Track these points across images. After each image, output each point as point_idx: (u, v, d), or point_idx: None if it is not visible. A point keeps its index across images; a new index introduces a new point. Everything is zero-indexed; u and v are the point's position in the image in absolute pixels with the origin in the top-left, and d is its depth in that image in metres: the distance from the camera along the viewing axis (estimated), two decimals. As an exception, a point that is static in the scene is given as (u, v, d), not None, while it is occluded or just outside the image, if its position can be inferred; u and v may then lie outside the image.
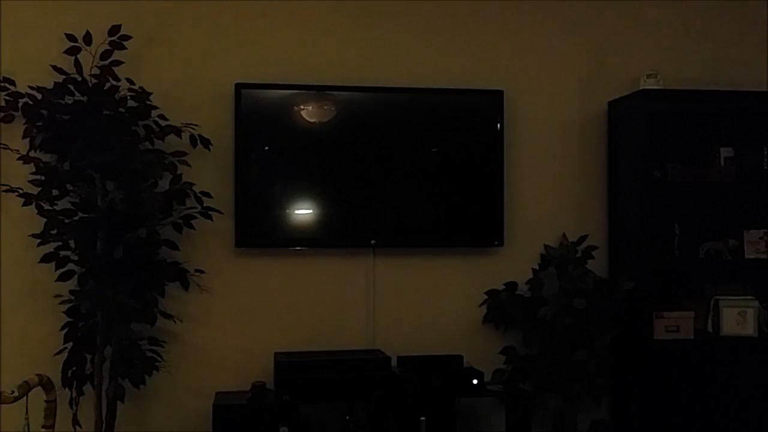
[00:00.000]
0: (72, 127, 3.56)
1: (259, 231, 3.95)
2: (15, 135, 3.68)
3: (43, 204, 3.59)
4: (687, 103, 4.03)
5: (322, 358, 3.82)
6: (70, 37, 3.62)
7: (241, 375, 3.88)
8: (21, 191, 3.59)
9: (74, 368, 3.61)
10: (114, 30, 3.64)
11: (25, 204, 3.60)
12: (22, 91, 3.65)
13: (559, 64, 4.27)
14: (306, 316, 4.02)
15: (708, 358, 3.96)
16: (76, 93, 3.63)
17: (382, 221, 4.05)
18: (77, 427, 3.64)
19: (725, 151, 4.12)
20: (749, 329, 3.99)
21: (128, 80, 3.70)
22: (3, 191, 3.68)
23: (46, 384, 2.62)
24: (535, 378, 3.93)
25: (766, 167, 4.14)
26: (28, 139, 3.64)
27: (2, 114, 3.69)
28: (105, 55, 3.66)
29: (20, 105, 3.65)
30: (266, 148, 3.96)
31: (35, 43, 3.78)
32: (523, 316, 4.02)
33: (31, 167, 3.57)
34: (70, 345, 3.60)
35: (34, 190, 3.60)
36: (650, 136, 3.93)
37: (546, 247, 4.18)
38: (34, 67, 3.71)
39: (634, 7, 4.34)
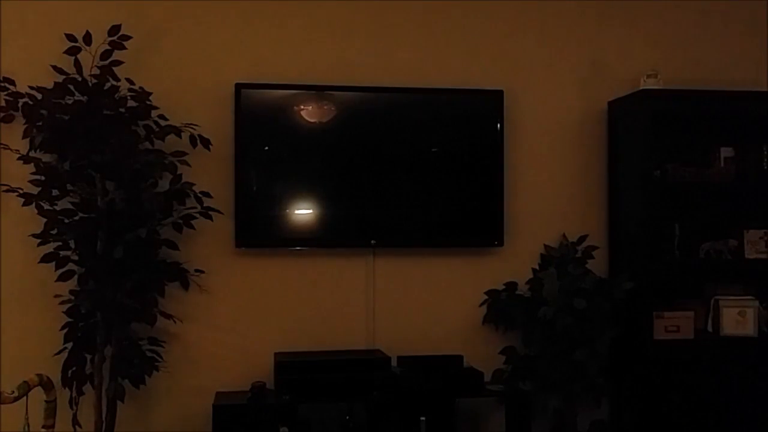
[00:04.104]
0: (72, 127, 3.56)
1: (259, 231, 3.95)
2: (15, 135, 3.68)
3: (43, 204, 3.59)
4: (687, 103, 4.03)
5: (322, 358, 3.83)
6: (70, 37, 3.62)
7: (241, 375, 3.88)
8: (21, 191, 3.59)
9: (74, 368, 3.61)
10: (114, 30, 3.64)
11: (25, 204, 3.60)
12: (22, 91, 3.65)
13: (559, 64, 4.27)
14: (306, 316, 4.02)
15: (708, 358, 3.96)
16: (76, 93, 3.63)
17: (382, 221, 4.06)
18: (77, 427, 3.64)
19: (725, 151, 4.12)
20: (749, 329, 3.99)
21: (128, 80, 3.70)
22: (3, 191, 3.68)
23: (46, 384, 2.62)
24: (535, 378, 3.93)
25: (766, 167, 4.14)
26: (28, 139, 3.64)
27: (2, 114, 3.69)
28: (105, 55, 3.66)
29: (20, 105, 3.65)
30: (266, 148, 3.96)
31: (35, 43, 3.78)
32: (523, 316, 4.02)
33: (31, 167, 3.57)
34: (70, 345, 3.60)
35: (34, 190, 3.60)
36: (650, 136, 3.93)
37: (546, 247, 4.18)
38: (34, 67, 3.72)
39: (634, 7, 4.34)
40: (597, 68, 4.30)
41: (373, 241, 4.02)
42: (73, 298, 3.59)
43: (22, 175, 3.64)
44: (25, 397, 2.50)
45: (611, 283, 3.99)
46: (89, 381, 3.63)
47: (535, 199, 4.23)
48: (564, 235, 4.19)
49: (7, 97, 3.67)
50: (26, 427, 2.59)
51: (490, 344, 4.13)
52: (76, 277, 3.66)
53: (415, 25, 4.14)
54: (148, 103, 3.71)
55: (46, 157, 3.63)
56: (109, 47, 3.66)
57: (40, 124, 3.59)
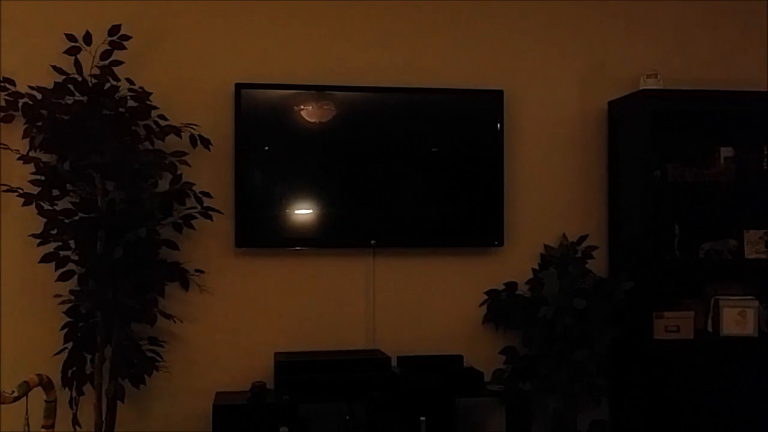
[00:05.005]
0: (72, 127, 3.56)
1: (259, 231, 3.95)
2: (15, 135, 3.68)
3: (43, 204, 3.59)
4: (687, 103, 4.02)
5: (322, 358, 3.83)
6: (70, 37, 3.62)
7: (241, 375, 3.88)
8: (21, 191, 3.59)
9: (74, 368, 3.61)
10: (114, 30, 3.64)
11: (25, 204, 3.60)
12: (22, 91, 3.65)
13: (559, 64, 4.27)
14: (306, 316, 4.02)
15: (708, 358, 3.96)
16: (76, 93, 3.63)
17: (382, 221, 4.06)
18: (77, 427, 3.64)
19: (725, 151, 4.12)
20: (749, 329, 3.99)
21: (128, 80, 3.70)
22: (3, 191, 3.67)
23: (46, 384, 2.62)
24: (535, 378, 3.93)
25: (766, 167, 4.14)
26: (28, 139, 3.64)
27: (2, 114, 3.69)
28: (105, 55, 3.66)
29: (20, 105, 3.65)
30: (266, 148, 3.96)
31: (35, 43, 3.78)
32: (523, 316, 4.02)
33: (31, 167, 3.57)
34: (70, 345, 3.60)
35: (34, 190, 3.60)
36: (650, 136, 3.93)
37: (546, 247, 4.18)
38: (34, 67, 3.72)
39: (634, 7, 4.34)
40: (597, 68, 4.30)
41: (373, 241, 4.02)
42: (73, 298, 3.59)
43: (22, 175, 3.64)
44: (25, 397, 2.50)
45: (611, 283, 3.99)
46: (89, 381, 3.63)
47: (535, 199, 4.23)
48: (564, 235, 4.19)
49: (7, 97, 3.67)
50: (26, 427, 2.60)
51: (490, 344, 4.13)
52: (76, 277, 3.67)
53: (415, 25, 4.14)
54: (148, 103, 3.71)
55: (46, 157, 3.63)
56: (109, 47, 3.66)
57: (40, 124, 3.59)
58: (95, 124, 3.57)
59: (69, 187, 3.61)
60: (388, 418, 3.71)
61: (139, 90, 3.69)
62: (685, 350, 3.95)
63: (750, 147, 4.15)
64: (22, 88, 3.66)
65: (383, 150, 4.07)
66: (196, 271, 3.86)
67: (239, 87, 3.90)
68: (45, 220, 3.59)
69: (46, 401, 2.66)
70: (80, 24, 3.68)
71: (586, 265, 4.06)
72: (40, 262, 3.62)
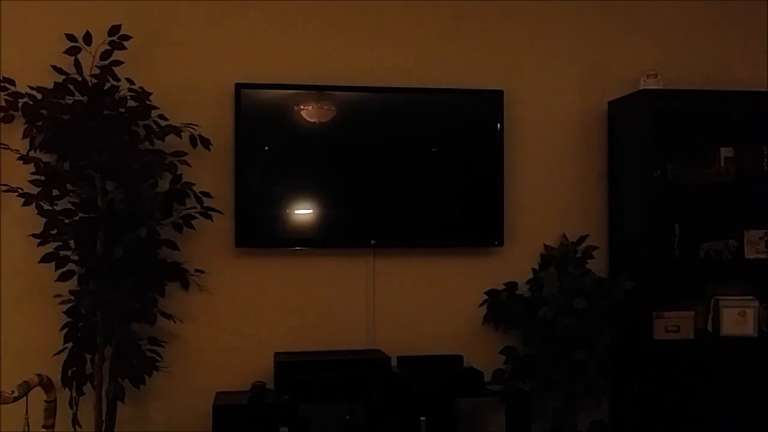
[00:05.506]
0: (72, 127, 3.56)
1: (259, 231, 3.95)
2: (15, 135, 3.68)
3: (43, 204, 3.59)
4: (687, 103, 4.02)
5: (322, 358, 3.83)
6: (70, 37, 3.63)
7: (241, 375, 3.88)
8: (21, 191, 3.59)
9: (74, 368, 3.61)
10: (114, 30, 3.65)
11: (25, 204, 3.60)
12: (22, 91, 3.65)
13: (559, 64, 4.27)
14: (306, 316, 4.02)
15: (708, 358, 3.96)
16: (76, 93, 3.63)
17: (382, 221, 4.06)
18: (77, 427, 3.64)
19: (725, 151, 4.13)
20: (749, 329, 3.99)
21: (128, 80, 3.70)
22: (3, 191, 3.68)
23: (46, 384, 2.62)
24: (535, 378, 3.93)
25: (766, 167, 4.14)
26: (28, 139, 3.64)
27: (2, 114, 3.69)
28: (105, 55, 3.66)
29: (20, 105, 3.65)
30: (266, 148, 3.96)
31: (35, 43, 3.78)
32: (523, 316, 4.02)
33: (31, 167, 3.58)
34: (70, 345, 3.60)
35: (34, 190, 3.60)
36: (650, 136, 3.93)
37: (546, 247, 4.18)
38: (34, 67, 3.72)
39: (634, 7, 4.34)
40: (597, 68, 4.30)
41: (373, 241, 4.02)
42: (73, 298, 3.59)
43: (22, 175, 3.64)
44: (25, 397, 2.50)
45: (611, 283, 3.99)
46: (89, 381, 3.63)
47: (535, 199, 4.23)
48: (564, 235, 4.19)
49: (7, 97, 3.67)
50: (26, 427, 2.60)
51: (490, 344, 4.13)
52: (76, 277, 3.67)
53: (415, 25, 4.14)
54: (148, 103, 3.71)
55: (46, 157, 3.63)
56: (109, 47, 3.66)
57: (40, 124, 3.59)
58: (95, 124, 3.57)
59: (69, 187, 3.61)
60: (388, 418, 3.71)
61: (139, 90, 3.69)
62: (685, 350, 3.94)
63: (750, 147, 4.15)
64: (22, 88, 3.66)
65: (383, 150, 4.07)
66: (196, 271, 3.86)
67: (239, 87, 3.90)
68: (45, 220, 3.59)
69: (46, 401, 2.66)
70: (80, 24, 3.68)
71: (586, 265, 4.06)
72: (40, 262, 3.62)
